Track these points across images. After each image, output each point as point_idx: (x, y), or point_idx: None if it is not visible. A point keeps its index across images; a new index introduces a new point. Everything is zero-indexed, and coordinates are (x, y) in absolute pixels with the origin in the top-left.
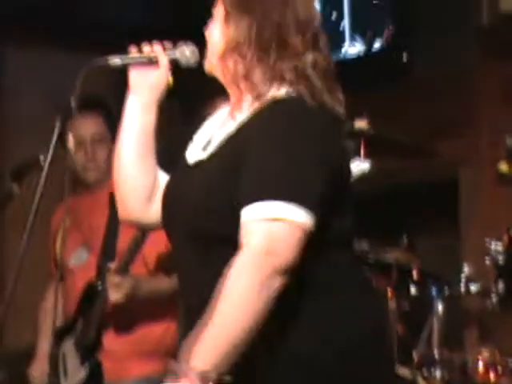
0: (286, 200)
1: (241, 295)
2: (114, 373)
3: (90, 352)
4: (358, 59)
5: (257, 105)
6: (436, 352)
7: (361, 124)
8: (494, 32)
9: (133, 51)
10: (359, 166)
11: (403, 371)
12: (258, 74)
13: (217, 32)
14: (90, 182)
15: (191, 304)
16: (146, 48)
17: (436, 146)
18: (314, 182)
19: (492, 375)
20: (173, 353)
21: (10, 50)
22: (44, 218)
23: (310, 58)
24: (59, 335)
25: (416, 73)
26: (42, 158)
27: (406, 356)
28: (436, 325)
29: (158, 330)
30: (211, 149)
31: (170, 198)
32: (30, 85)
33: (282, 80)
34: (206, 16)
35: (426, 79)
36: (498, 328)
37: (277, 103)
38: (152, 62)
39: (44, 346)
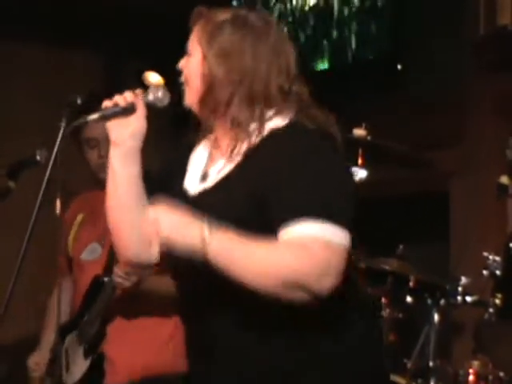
0: (340, 225)
1: (277, 265)
2: (119, 371)
3: (93, 345)
4: (353, 68)
5: (256, 136)
6: (430, 362)
7: (359, 132)
8: (490, 44)
9: (107, 103)
10: (356, 174)
11: (397, 380)
12: (251, 111)
13: (199, 71)
14: (105, 181)
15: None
16: (119, 98)
17: (432, 157)
18: (349, 206)
19: None
20: (182, 351)
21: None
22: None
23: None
24: (64, 331)
25: (411, 83)
26: (38, 155)
27: (400, 364)
28: (431, 335)
29: (166, 329)
30: (214, 179)
31: None
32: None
33: (278, 112)
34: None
35: (421, 89)
36: (494, 340)
37: (288, 132)
38: (128, 110)
39: (47, 339)
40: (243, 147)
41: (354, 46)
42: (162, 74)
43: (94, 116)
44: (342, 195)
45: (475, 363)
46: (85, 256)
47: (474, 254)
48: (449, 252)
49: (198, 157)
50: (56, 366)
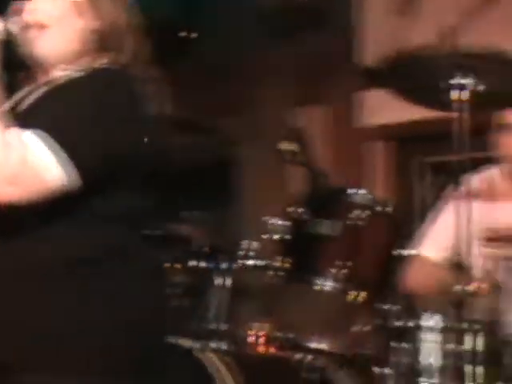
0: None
1: None
2: None
3: None
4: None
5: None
6: (219, 325)
7: None
8: (282, 10)
9: None
10: None
11: (187, 343)
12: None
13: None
14: None
15: None
16: None
17: (219, 123)
18: (86, 150)
19: (270, 349)
20: None
21: None
22: None
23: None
24: None
25: (203, 50)
26: None
27: (194, 329)
28: (220, 298)
29: None
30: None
31: None
32: None
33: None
34: None
35: (211, 57)
36: (282, 303)
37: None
38: None
39: None
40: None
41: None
42: None
43: None
44: (86, 139)
45: (263, 326)
46: None
47: (262, 218)
48: (238, 217)
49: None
50: None
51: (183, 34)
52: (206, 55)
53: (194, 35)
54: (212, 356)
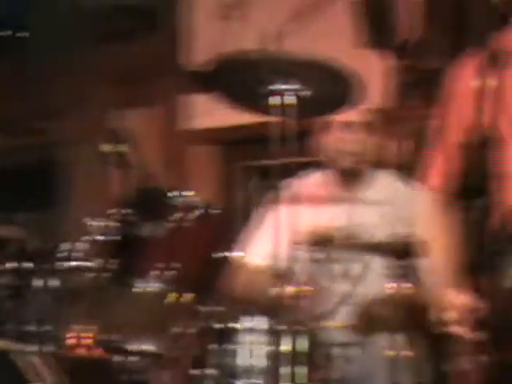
0: None
1: None
2: None
3: None
4: None
5: None
6: (42, 327)
7: None
8: (109, 11)
9: None
10: None
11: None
12: None
13: None
14: None
15: None
16: None
17: (45, 125)
18: None
19: (94, 351)
20: None
21: None
22: None
23: None
24: None
25: (26, 48)
26: None
27: (16, 331)
28: (43, 300)
29: None
30: None
31: None
32: None
33: None
34: None
35: (36, 55)
36: (104, 305)
37: None
38: None
39: None
40: None
41: None
42: None
43: None
44: None
45: (86, 328)
46: None
47: (84, 220)
48: (62, 218)
49: None
50: None
51: (9, 33)
52: (32, 56)
53: (21, 35)
54: (34, 358)
